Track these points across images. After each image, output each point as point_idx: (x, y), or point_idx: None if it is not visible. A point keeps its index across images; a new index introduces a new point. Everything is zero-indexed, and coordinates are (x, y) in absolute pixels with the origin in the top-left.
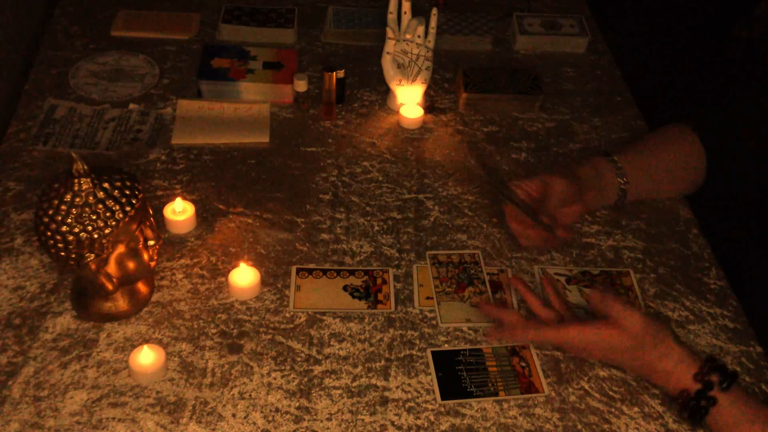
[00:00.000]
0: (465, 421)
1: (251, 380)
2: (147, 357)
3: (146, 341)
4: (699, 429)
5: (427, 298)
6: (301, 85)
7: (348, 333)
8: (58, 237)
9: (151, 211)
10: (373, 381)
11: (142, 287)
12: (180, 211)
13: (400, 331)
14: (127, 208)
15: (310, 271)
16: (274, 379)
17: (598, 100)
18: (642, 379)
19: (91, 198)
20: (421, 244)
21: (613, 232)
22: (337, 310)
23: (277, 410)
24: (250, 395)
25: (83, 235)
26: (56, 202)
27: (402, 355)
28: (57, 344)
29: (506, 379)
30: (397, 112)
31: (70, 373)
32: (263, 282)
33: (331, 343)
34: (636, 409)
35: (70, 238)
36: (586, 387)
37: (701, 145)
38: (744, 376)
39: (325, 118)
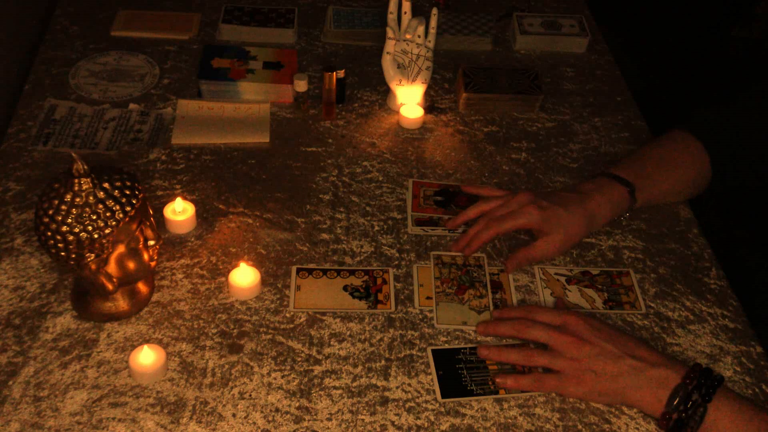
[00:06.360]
0: (465, 421)
1: (251, 380)
2: (147, 357)
3: (146, 341)
4: None
5: (428, 298)
6: (301, 85)
7: (348, 333)
8: (58, 237)
9: (151, 211)
10: (373, 381)
11: (142, 287)
12: (180, 211)
13: (401, 331)
14: (127, 208)
15: (310, 271)
16: (275, 379)
17: (598, 100)
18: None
19: (91, 198)
20: (421, 244)
21: (613, 232)
22: (337, 310)
23: (277, 410)
24: (250, 395)
25: (83, 235)
26: (56, 202)
27: (402, 355)
28: (57, 344)
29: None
30: (397, 112)
31: (70, 373)
32: (263, 282)
33: (331, 343)
34: (636, 409)
35: (70, 238)
36: None
37: (704, 150)
38: (744, 376)
39: (325, 118)
